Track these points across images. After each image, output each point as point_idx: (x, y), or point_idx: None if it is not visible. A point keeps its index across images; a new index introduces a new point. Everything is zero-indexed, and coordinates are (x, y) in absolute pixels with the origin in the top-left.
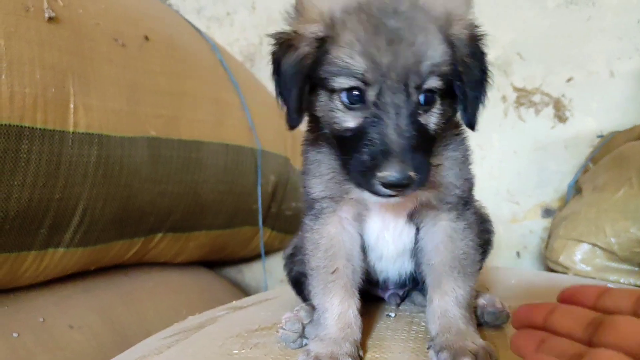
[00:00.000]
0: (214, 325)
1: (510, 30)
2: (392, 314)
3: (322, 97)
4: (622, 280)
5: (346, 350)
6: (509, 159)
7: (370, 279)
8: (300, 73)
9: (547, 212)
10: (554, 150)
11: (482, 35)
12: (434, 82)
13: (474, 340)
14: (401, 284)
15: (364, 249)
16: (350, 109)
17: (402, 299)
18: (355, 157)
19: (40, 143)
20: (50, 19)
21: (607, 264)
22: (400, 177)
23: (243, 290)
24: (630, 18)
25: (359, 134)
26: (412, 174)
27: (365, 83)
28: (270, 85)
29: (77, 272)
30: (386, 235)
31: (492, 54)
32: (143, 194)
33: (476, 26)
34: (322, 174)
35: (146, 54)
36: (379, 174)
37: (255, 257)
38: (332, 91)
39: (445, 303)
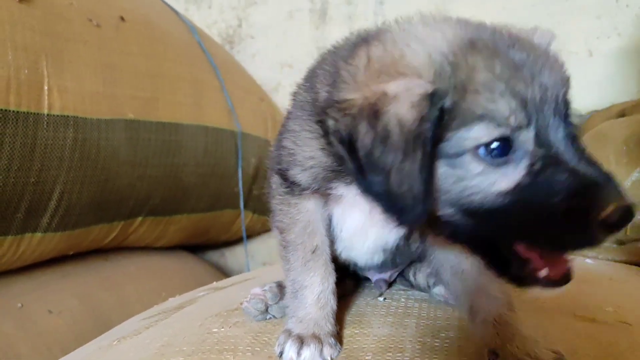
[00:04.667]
0: (193, 305)
1: (489, 9)
2: (381, 299)
3: (439, 170)
4: (600, 257)
5: (328, 330)
6: None
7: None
8: (417, 142)
9: None
10: None
11: None
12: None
13: (543, 347)
14: (369, 268)
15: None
16: (496, 166)
17: (389, 285)
18: (537, 225)
19: (14, 126)
20: None
21: None
22: (629, 202)
23: (226, 274)
24: None
25: (523, 193)
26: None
27: (513, 128)
28: (251, 67)
29: (56, 257)
30: (369, 232)
31: None
32: (121, 178)
33: None
34: (312, 167)
35: (122, 35)
36: (604, 213)
37: (237, 240)
38: (458, 155)
39: (497, 307)
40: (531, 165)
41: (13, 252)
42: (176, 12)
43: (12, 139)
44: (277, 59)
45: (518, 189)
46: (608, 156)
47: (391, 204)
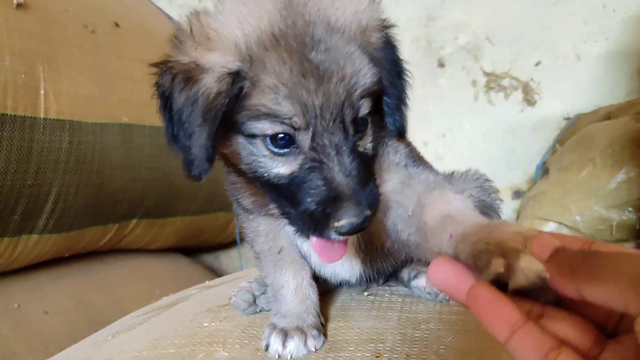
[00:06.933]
0: (185, 302)
1: (479, 15)
2: (366, 294)
3: (238, 140)
4: None
5: (310, 323)
6: (479, 143)
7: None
8: (211, 114)
9: (517, 194)
10: (522, 133)
11: (391, 26)
12: (365, 108)
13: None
14: (355, 284)
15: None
16: (278, 154)
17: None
18: (298, 207)
19: (11, 129)
20: (19, 5)
21: None
22: (359, 221)
23: (220, 276)
24: (596, 2)
25: (295, 181)
26: (368, 212)
27: (295, 128)
28: None
29: (52, 258)
30: None
31: (463, 39)
32: (115, 181)
33: (384, 22)
34: (244, 197)
35: (117, 40)
36: (337, 224)
37: (231, 243)
38: (252, 136)
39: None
40: (303, 163)
41: (10, 253)
42: (170, 18)
43: (9, 142)
44: None
45: (292, 176)
46: (594, 158)
47: (187, 159)
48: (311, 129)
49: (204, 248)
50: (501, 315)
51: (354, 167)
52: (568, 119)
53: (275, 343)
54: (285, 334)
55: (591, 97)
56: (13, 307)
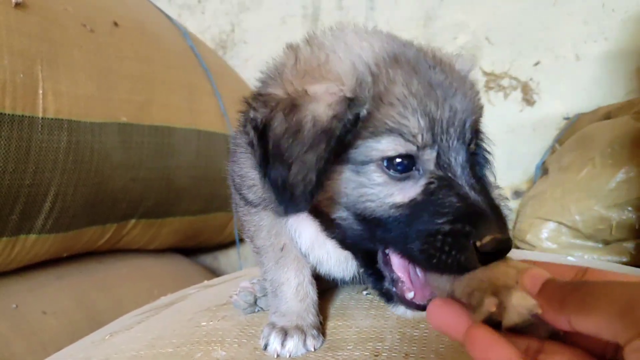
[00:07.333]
0: (184, 302)
1: (479, 15)
2: (365, 293)
3: (344, 175)
4: (585, 257)
5: (310, 322)
6: None
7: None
8: (321, 139)
9: (517, 194)
10: (522, 133)
11: None
12: (473, 143)
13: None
14: (350, 282)
15: None
16: (396, 179)
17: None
18: (424, 235)
19: (9, 128)
20: (18, 4)
21: (572, 241)
22: (504, 237)
23: (218, 276)
24: (596, 2)
25: (416, 208)
26: (507, 233)
27: (418, 147)
28: (244, 71)
29: (50, 259)
30: (328, 243)
31: (462, 38)
32: (114, 180)
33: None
34: (252, 190)
35: (116, 40)
36: (479, 243)
37: (230, 243)
38: (365, 163)
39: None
40: (428, 184)
41: (8, 253)
42: (169, 18)
43: (7, 141)
44: None
45: (411, 204)
46: (594, 157)
47: (284, 193)
48: (437, 146)
49: (202, 248)
50: (499, 357)
51: (482, 187)
52: (568, 118)
53: (275, 342)
54: (285, 333)
55: (591, 97)
56: (11, 307)
